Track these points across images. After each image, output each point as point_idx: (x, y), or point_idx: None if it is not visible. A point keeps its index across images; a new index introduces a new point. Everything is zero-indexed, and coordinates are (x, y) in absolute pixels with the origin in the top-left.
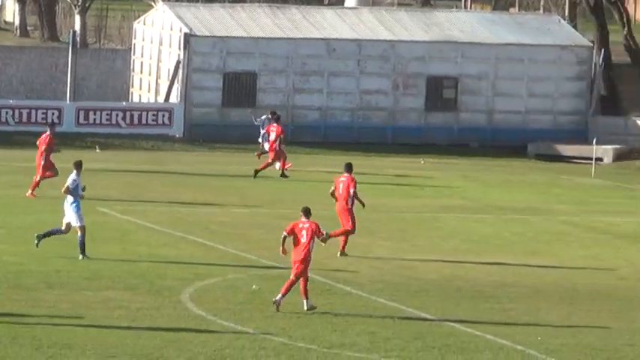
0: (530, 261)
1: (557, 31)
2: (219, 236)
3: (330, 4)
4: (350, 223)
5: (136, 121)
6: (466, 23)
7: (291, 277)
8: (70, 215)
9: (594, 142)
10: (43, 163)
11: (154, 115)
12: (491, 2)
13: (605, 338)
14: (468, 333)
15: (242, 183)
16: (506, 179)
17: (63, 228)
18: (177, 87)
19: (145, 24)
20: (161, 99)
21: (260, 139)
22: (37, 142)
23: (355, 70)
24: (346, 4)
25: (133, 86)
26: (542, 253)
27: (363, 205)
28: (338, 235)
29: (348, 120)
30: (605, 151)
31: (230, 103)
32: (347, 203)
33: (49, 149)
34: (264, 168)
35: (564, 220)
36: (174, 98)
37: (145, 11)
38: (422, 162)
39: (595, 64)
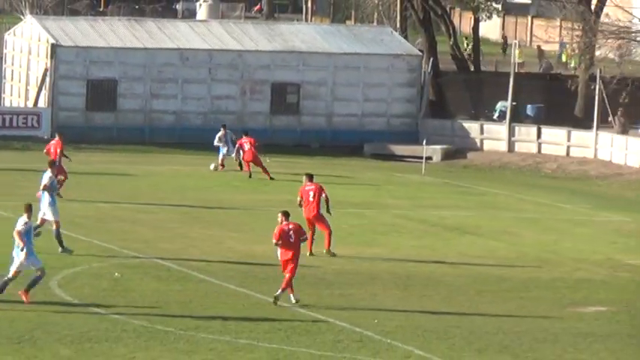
0: (366, 251)
1: (390, 41)
2: (84, 229)
3: (183, 17)
4: (325, 225)
5: (7, 123)
6: (307, 34)
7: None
8: (46, 210)
9: (424, 143)
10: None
11: (24, 118)
12: (330, 15)
13: (435, 321)
14: (312, 316)
15: (105, 180)
16: (344, 176)
17: (38, 222)
18: (44, 93)
19: (14, 35)
20: (30, 104)
21: (234, 155)
22: (48, 149)
23: (207, 78)
24: (198, 18)
25: (4, 92)
26: (377, 243)
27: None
28: (329, 242)
29: (201, 123)
30: (434, 151)
31: (93, 107)
32: (318, 209)
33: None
34: (265, 171)
35: (398, 214)
36: (42, 103)
37: (15, 23)
38: (267, 160)
39: (424, 72)
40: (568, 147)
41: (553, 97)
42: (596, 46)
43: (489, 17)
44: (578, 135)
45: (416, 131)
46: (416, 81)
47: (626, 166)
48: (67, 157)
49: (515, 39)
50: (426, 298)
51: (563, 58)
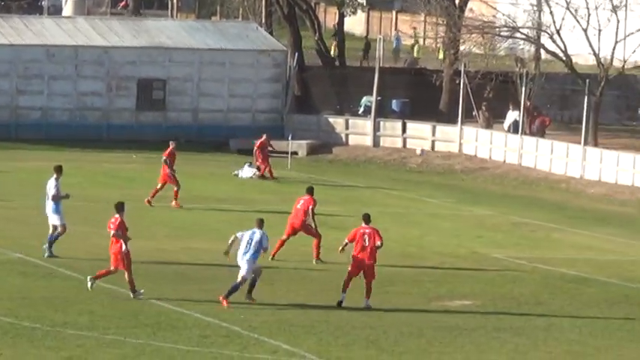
0: None
1: (255, 37)
2: None
3: (49, 13)
4: (315, 231)
5: None
6: (173, 30)
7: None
8: (52, 216)
9: (290, 138)
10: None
11: None
12: (195, 11)
13: (302, 315)
14: (177, 312)
15: None
16: (210, 172)
17: (59, 230)
18: None
19: None
20: None
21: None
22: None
23: (73, 74)
24: (64, 14)
25: None
26: None
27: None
28: (317, 250)
29: (67, 119)
30: (300, 146)
31: None
32: (304, 217)
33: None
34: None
35: (264, 209)
36: None
37: None
38: (134, 157)
39: (289, 67)
40: (433, 141)
41: (418, 92)
42: (461, 40)
43: (354, 12)
44: (443, 129)
45: (281, 126)
46: (281, 76)
47: (491, 160)
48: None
49: (380, 34)
50: (293, 293)
51: (415, 52)
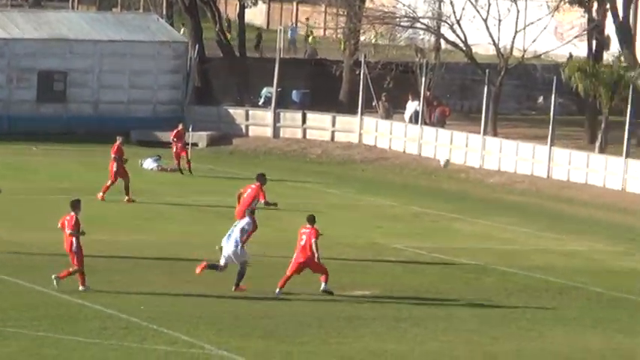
0: (132, 237)
1: (156, 28)
2: None
3: None
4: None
5: None
6: (73, 22)
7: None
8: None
9: (190, 129)
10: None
11: None
12: (96, 3)
13: (201, 306)
14: (79, 303)
15: None
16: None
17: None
18: None
19: None
20: None
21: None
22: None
23: None
24: None
25: None
26: (143, 229)
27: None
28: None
29: None
30: (200, 137)
31: None
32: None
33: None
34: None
35: (166, 200)
36: None
37: None
38: (34, 149)
39: (190, 58)
40: (333, 132)
41: (318, 83)
42: (361, 31)
43: (255, 4)
44: (343, 120)
45: (182, 117)
46: (182, 68)
47: (391, 151)
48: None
49: (281, 25)
50: (191, 283)
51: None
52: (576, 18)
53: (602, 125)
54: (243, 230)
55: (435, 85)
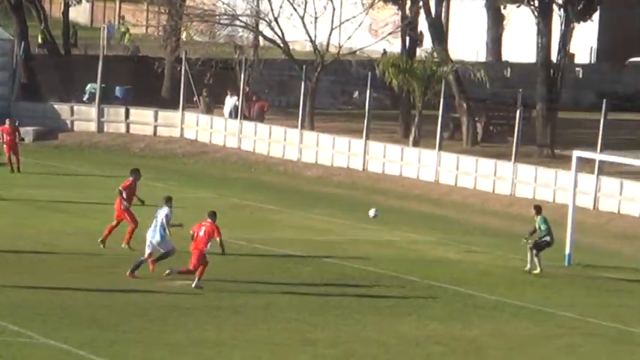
0: None
1: None
2: None
3: None
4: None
5: None
6: None
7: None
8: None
9: (17, 124)
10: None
11: None
12: None
13: (28, 296)
14: None
15: None
16: None
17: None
18: None
19: None
20: None
21: None
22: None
23: None
24: None
25: None
26: None
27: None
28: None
29: None
30: (27, 132)
31: None
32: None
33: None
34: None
35: None
36: None
37: None
38: None
39: (16, 56)
40: (155, 127)
41: (141, 79)
42: (182, 28)
43: (79, 2)
44: (165, 115)
45: (8, 113)
46: (8, 65)
47: (211, 145)
48: None
49: (105, 23)
50: (17, 274)
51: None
52: (390, 15)
53: (416, 119)
54: (167, 217)
55: (253, 80)
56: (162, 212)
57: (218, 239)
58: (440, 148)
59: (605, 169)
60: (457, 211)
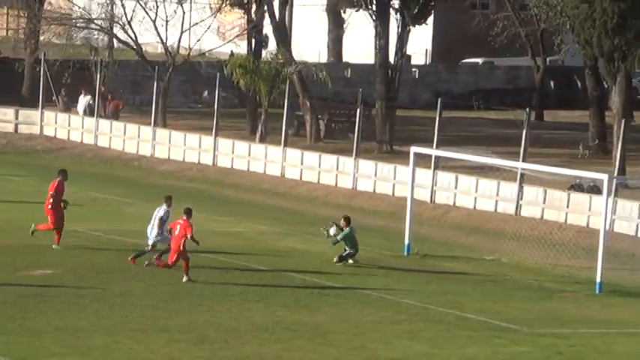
0: None
1: None
2: None
3: None
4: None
5: None
6: None
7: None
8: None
9: None
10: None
11: None
12: None
13: None
14: None
15: None
16: None
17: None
18: None
19: None
20: None
21: None
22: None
23: None
24: None
25: None
26: None
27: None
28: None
29: None
30: None
31: None
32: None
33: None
34: None
35: None
36: None
37: None
38: None
39: None
40: (16, 124)
41: (2, 79)
42: (41, 31)
43: None
44: (25, 113)
45: None
46: None
47: (69, 141)
48: None
49: None
50: None
51: None
52: (237, 19)
53: (262, 117)
54: (161, 218)
55: (109, 80)
56: (160, 212)
57: (189, 236)
58: (285, 145)
59: (441, 164)
60: (302, 204)
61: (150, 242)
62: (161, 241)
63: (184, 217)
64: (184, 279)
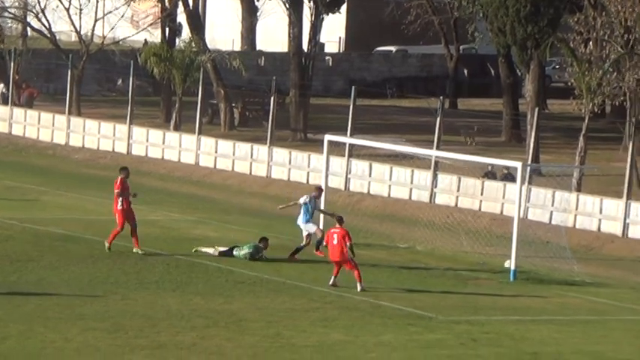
0: None
1: None
2: None
3: None
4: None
5: None
6: None
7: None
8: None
9: None
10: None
11: None
12: None
13: None
14: None
15: None
16: None
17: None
18: None
19: None
20: None
21: None
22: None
23: None
24: None
25: None
26: None
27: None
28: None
29: None
30: None
31: None
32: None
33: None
34: None
35: None
36: None
37: None
38: None
39: None
40: None
41: None
42: None
43: None
44: None
45: None
46: None
47: None
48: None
49: None
50: None
51: None
52: (150, 7)
53: (177, 105)
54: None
55: (23, 69)
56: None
57: (349, 245)
58: (199, 133)
59: (355, 152)
60: (217, 192)
61: (304, 234)
62: (306, 227)
63: (338, 226)
64: (358, 288)
